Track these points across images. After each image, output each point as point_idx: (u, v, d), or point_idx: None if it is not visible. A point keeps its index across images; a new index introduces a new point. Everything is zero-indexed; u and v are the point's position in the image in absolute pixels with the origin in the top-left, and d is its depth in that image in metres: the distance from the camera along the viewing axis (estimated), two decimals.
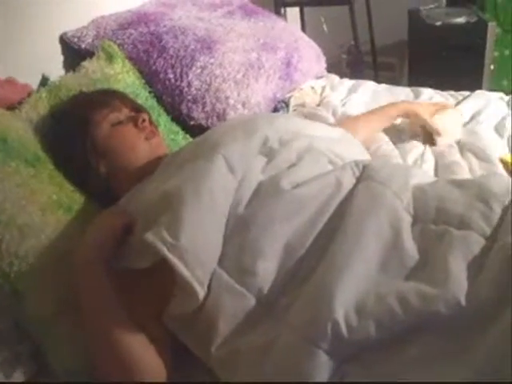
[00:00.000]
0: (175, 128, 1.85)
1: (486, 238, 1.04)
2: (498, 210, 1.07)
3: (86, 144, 1.40)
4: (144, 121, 1.44)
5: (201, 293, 1.04)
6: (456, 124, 1.84)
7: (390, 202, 1.12)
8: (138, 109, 1.52)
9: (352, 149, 1.44)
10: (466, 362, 0.87)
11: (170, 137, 1.80)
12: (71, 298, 1.21)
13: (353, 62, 3.57)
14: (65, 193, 1.37)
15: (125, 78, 1.79)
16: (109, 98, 1.49)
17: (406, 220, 1.10)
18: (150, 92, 1.85)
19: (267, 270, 1.06)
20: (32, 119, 1.50)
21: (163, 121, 1.81)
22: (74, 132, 1.42)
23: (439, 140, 1.77)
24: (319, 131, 1.45)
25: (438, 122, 1.77)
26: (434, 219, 1.10)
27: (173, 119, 1.87)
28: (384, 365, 0.93)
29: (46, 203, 1.30)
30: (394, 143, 1.82)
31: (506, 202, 1.09)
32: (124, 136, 1.42)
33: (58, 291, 1.21)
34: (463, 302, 0.91)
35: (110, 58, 1.81)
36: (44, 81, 1.77)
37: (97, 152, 1.40)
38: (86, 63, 1.77)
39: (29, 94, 1.60)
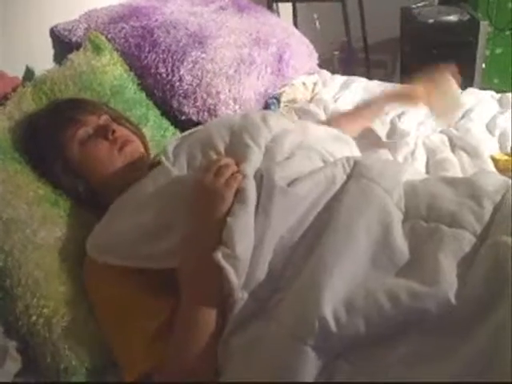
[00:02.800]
0: (165, 123, 1.84)
1: (476, 236, 1.03)
2: (489, 208, 1.07)
3: (60, 168, 1.36)
4: (114, 132, 1.38)
5: (243, 299, 1.04)
6: (453, 97, 1.72)
7: (381, 198, 1.11)
8: (109, 115, 1.46)
9: (344, 147, 1.44)
10: (455, 361, 0.87)
11: (160, 133, 1.78)
12: (60, 291, 1.21)
13: (345, 58, 3.58)
14: (51, 187, 1.36)
15: (112, 70, 1.76)
16: (75, 111, 1.41)
17: (397, 217, 1.10)
18: (138, 85, 1.83)
19: (264, 266, 1.06)
20: (15, 117, 1.46)
21: (152, 115, 1.80)
22: (46, 157, 1.38)
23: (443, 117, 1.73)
24: (311, 130, 1.44)
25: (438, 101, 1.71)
26: (424, 216, 1.10)
27: (162, 113, 1.86)
28: (372, 362, 0.93)
29: (33, 197, 1.30)
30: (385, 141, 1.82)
31: (497, 200, 1.09)
32: (96, 153, 1.36)
33: (45, 286, 1.20)
34: (453, 299, 0.91)
35: (97, 49, 1.78)
36: (28, 73, 1.75)
37: (72, 173, 1.36)
38: (72, 56, 1.73)
39: (14, 89, 1.57)
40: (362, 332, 0.93)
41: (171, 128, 1.84)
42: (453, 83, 1.69)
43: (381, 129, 1.89)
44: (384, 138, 1.85)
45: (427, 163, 1.70)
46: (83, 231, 1.29)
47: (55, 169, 1.37)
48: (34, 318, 1.17)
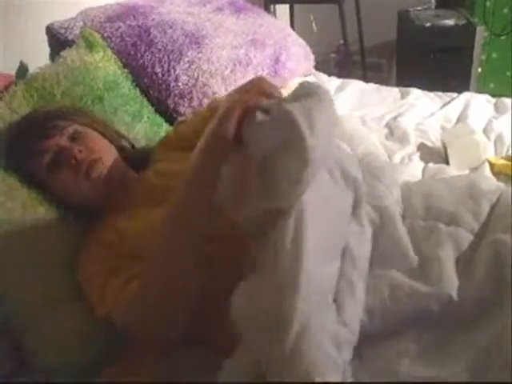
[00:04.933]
0: (159, 120, 1.83)
1: (474, 233, 1.05)
2: (486, 207, 1.08)
3: (40, 188, 1.32)
4: (75, 157, 1.27)
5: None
6: (472, 152, 1.70)
7: (384, 195, 1.12)
8: (78, 123, 1.37)
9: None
10: (457, 357, 0.87)
11: (154, 129, 1.77)
12: (53, 294, 1.20)
13: (341, 61, 3.58)
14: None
15: (106, 66, 1.74)
16: (35, 139, 1.31)
17: (398, 213, 1.11)
18: (132, 82, 1.81)
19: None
20: (5, 118, 1.44)
21: (146, 112, 1.79)
22: (24, 176, 1.33)
23: (452, 166, 1.68)
24: None
25: (452, 146, 1.71)
26: (423, 216, 1.11)
27: (157, 110, 1.84)
28: (381, 358, 0.92)
29: (27, 199, 1.28)
30: (381, 142, 1.82)
31: (494, 200, 1.10)
32: (63, 182, 1.30)
33: (39, 287, 1.20)
34: (455, 296, 0.92)
35: (90, 46, 1.76)
36: (22, 67, 1.73)
37: (52, 194, 1.33)
38: (64, 52, 1.71)
39: (6, 87, 1.55)
40: (367, 328, 0.92)
41: (165, 125, 1.83)
42: (476, 137, 1.69)
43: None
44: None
45: (424, 165, 1.70)
46: (76, 235, 1.29)
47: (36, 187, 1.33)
48: (25, 317, 1.17)
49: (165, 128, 1.81)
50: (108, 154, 1.35)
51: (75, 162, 1.28)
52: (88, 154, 1.30)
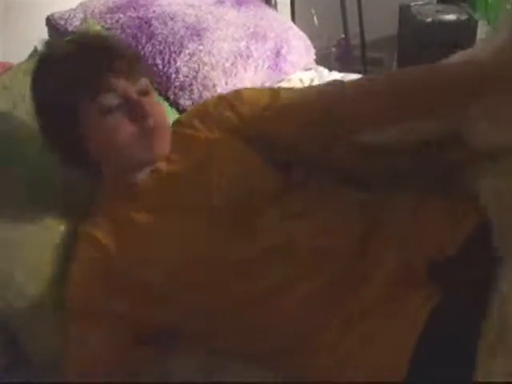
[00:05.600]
0: (165, 104, 1.80)
1: None
2: None
3: (73, 135, 1.16)
4: (144, 117, 1.12)
5: None
6: None
7: None
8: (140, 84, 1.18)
9: None
10: None
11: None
12: (50, 290, 1.20)
13: (342, 55, 3.57)
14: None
15: None
16: (98, 69, 1.12)
17: None
18: None
19: None
20: (6, 85, 1.42)
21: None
22: (58, 121, 1.17)
23: None
24: None
25: None
26: None
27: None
28: None
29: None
30: None
31: None
32: (115, 131, 1.13)
33: (38, 283, 1.19)
34: None
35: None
36: (34, 54, 1.73)
37: (86, 143, 1.17)
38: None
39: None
40: None
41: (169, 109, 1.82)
42: None
43: None
44: None
45: None
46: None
47: (69, 138, 1.17)
48: (20, 312, 1.17)
49: (170, 111, 1.79)
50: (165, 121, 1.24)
51: (142, 122, 1.13)
52: (156, 119, 1.16)
